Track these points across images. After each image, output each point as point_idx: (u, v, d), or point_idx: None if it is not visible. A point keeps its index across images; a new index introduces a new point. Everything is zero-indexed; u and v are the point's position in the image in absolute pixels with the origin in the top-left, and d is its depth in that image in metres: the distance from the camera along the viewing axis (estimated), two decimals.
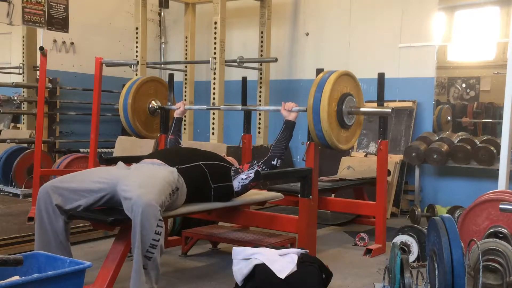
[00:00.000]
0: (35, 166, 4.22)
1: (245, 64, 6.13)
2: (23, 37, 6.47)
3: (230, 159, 3.43)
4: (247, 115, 4.21)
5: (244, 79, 4.41)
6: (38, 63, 4.91)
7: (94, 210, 2.73)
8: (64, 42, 6.54)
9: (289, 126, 3.28)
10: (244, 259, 2.63)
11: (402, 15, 5.75)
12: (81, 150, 6.31)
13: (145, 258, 2.47)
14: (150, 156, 3.14)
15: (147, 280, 2.50)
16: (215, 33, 5.67)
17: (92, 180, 2.73)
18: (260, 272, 2.55)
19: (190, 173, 2.97)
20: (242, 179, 3.18)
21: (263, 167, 3.18)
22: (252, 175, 3.17)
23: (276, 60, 5.89)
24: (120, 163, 3.02)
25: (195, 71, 7.06)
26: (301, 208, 3.32)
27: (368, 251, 3.78)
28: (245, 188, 3.21)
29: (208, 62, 5.74)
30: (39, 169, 4.22)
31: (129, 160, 3.49)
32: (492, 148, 4.85)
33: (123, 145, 5.99)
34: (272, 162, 3.19)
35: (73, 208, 2.68)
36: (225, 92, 5.76)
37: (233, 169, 3.23)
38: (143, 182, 2.62)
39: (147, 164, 2.97)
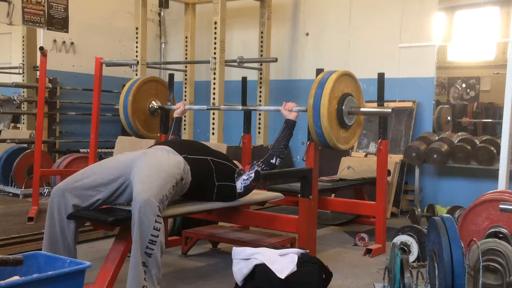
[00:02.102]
0: (35, 166, 4.22)
1: (245, 64, 6.12)
2: (23, 37, 6.47)
3: (235, 162, 3.43)
4: (247, 115, 4.21)
5: (244, 79, 4.41)
6: (38, 63, 4.91)
7: (94, 210, 2.73)
8: (64, 42, 6.54)
9: (290, 125, 3.28)
10: (244, 259, 2.63)
11: (402, 15, 5.75)
12: (81, 150, 6.31)
13: (146, 255, 2.47)
14: (161, 143, 3.12)
15: (148, 279, 2.50)
16: (215, 33, 5.67)
17: (103, 172, 2.75)
18: (260, 272, 2.55)
19: (197, 163, 2.96)
20: (244, 179, 3.18)
21: (263, 166, 3.17)
22: (253, 175, 3.16)
23: (276, 60, 5.89)
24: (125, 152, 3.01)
25: (195, 71, 7.06)
26: (301, 208, 3.32)
27: (368, 251, 3.78)
28: (247, 189, 3.20)
29: (208, 62, 5.74)
30: (39, 169, 4.22)
31: None
32: (492, 148, 4.85)
33: (123, 145, 5.99)
34: (271, 161, 3.18)
35: (91, 204, 2.70)
36: (225, 92, 5.76)
37: (237, 170, 3.23)
38: (146, 177, 2.62)
39: (156, 149, 2.94)
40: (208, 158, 3.05)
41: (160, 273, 2.56)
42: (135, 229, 2.45)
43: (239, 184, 3.17)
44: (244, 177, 3.18)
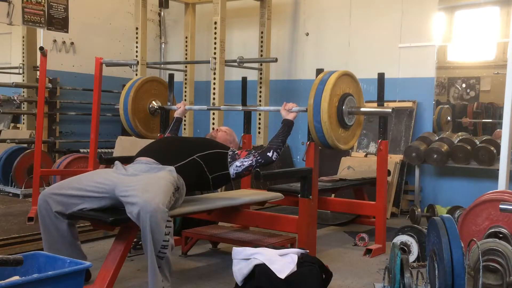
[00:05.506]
0: (35, 166, 4.21)
1: (245, 64, 6.12)
2: (23, 37, 6.47)
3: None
4: (247, 115, 4.21)
5: (244, 79, 4.41)
6: (38, 63, 4.90)
7: (94, 210, 2.73)
8: (64, 42, 6.54)
9: (287, 124, 3.27)
10: (244, 259, 2.63)
11: (402, 15, 5.75)
12: (81, 150, 6.30)
13: (158, 258, 2.50)
14: (143, 154, 3.10)
15: (162, 278, 2.53)
16: (215, 33, 5.67)
17: (90, 184, 2.74)
18: (260, 272, 2.55)
19: (187, 169, 2.96)
20: (237, 166, 3.16)
21: (258, 158, 3.14)
22: (247, 164, 3.14)
23: (276, 60, 5.89)
24: (117, 163, 2.99)
25: (195, 71, 7.06)
26: (301, 208, 3.32)
27: (368, 251, 3.78)
28: (238, 176, 3.22)
29: (208, 62, 5.74)
30: (39, 169, 4.22)
31: (129, 160, 3.49)
32: (492, 148, 4.85)
33: (123, 145, 5.99)
34: (268, 154, 3.14)
35: (75, 212, 2.70)
36: (225, 92, 5.76)
37: (230, 153, 3.20)
38: (147, 185, 2.62)
39: (142, 164, 2.96)
40: (195, 156, 3.04)
41: (171, 268, 2.61)
42: (148, 238, 2.45)
43: (232, 170, 3.17)
44: (237, 163, 3.16)
